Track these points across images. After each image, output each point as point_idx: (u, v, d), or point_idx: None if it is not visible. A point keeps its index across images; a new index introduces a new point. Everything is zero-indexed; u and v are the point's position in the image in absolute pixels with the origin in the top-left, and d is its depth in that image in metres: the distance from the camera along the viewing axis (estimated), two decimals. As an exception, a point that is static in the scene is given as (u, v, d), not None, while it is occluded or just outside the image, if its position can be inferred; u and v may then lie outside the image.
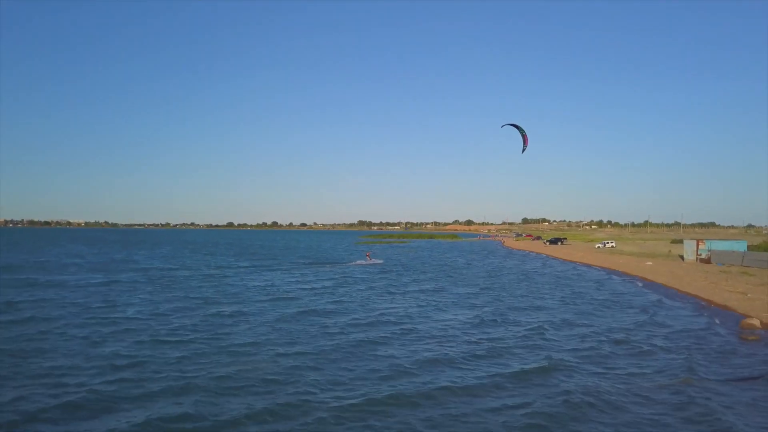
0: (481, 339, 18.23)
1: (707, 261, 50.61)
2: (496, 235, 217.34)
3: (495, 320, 21.90)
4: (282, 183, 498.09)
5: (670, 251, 71.66)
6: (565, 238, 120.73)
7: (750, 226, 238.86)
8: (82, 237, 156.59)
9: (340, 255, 73.33)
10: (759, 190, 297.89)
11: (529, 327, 20.44)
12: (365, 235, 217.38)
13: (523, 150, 31.39)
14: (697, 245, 53.56)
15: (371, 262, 58.47)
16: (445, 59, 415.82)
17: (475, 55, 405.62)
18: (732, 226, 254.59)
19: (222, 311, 23.09)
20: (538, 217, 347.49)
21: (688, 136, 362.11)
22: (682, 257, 57.12)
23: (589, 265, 55.81)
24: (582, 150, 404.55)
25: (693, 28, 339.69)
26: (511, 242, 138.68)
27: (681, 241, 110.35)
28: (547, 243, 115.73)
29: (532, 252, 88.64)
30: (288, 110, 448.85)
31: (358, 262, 58.67)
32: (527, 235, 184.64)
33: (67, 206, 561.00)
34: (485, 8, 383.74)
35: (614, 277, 43.12)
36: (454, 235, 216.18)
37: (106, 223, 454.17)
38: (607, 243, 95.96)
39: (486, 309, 24.97)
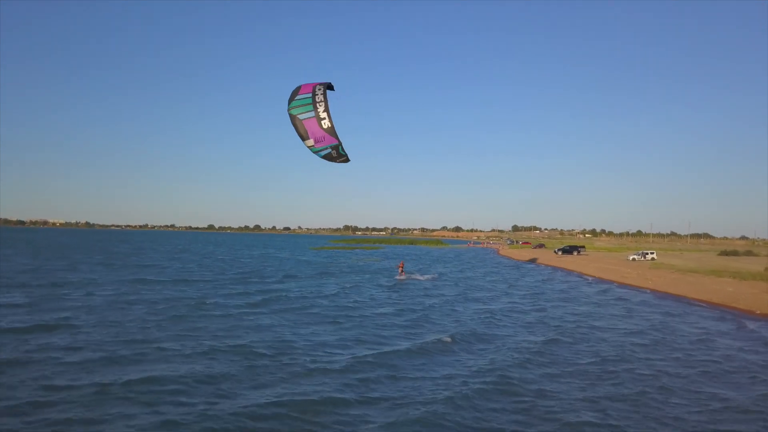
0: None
1: None
2: (488, 242, 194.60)
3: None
4: (267, 186, 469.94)
5: (767, 268, 49.20)
6: (583, 247, 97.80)
7: (743, 237, 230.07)
8: (34, 239, 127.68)
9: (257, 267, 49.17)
10: (753, 201, 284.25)
11: None
12: (335, 239, 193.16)
13: None
14: None
15: (405, 277, 43.83)
16: (435, 65, 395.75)
17: (464, 60, 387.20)
18: (725, 238, 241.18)
19: None
20: (528, 225, 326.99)
21: (682, 146, 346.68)
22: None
23: (701, 303, 32.48)
24: (573, 158, 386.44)
25: (692, 37, 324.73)
26: (510, 251, 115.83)
27: (735, 253, 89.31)
28: (560, 252, 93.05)
29: (561, 267, 64.86)
30: (273, 112, 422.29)
31: (397, 277, 43.52)
32: (524, 243, 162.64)
33: (46, 206, 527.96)
34: (479, 14, 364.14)
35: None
36: (439, 241, 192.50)
37: (86, 223, 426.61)
38: (647, 254, 73.41)
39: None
